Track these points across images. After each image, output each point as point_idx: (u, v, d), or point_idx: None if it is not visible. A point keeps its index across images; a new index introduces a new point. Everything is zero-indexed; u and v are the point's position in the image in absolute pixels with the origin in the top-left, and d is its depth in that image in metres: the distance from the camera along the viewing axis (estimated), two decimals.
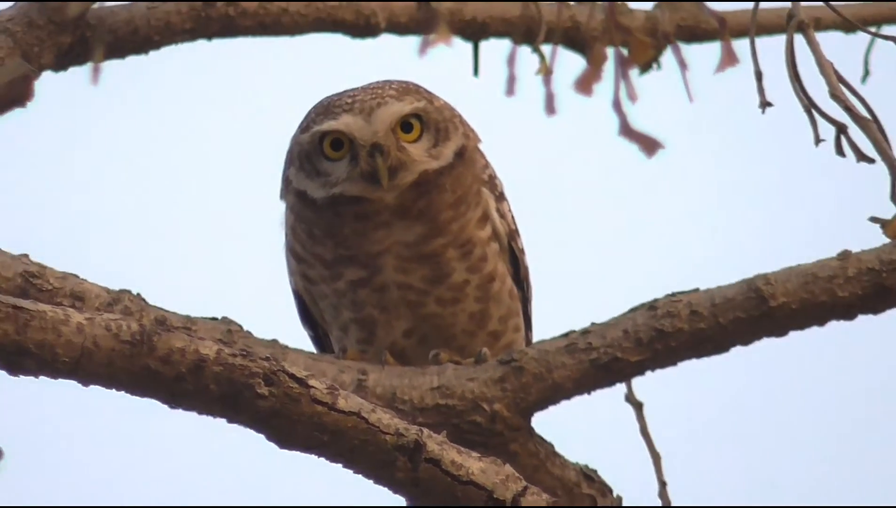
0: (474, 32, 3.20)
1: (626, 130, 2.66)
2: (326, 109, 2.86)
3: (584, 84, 2.49)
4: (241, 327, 2.80)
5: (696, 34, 2.89)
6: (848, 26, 3.08)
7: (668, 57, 2.75)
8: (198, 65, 3.00)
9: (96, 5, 2.91)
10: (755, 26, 2.72)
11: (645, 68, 2.70)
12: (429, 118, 2.87)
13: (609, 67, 2.56)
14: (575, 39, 2.68)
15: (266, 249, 3.18)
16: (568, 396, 2.72)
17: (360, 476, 2.58)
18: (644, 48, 2.50)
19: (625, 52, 2.58)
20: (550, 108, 2.47)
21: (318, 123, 2.85)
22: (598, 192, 3.13)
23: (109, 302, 2.77)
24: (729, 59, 2.35)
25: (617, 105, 2.61)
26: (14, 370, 2.52)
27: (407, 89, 2.87)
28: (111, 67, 2.94)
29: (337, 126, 2.81)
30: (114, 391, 2.55)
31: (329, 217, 2.83)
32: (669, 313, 2.65)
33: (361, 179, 2.82)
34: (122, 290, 2.82)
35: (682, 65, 2.36)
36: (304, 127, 2.89)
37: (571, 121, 2.62)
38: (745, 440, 3.84)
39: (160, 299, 2.89)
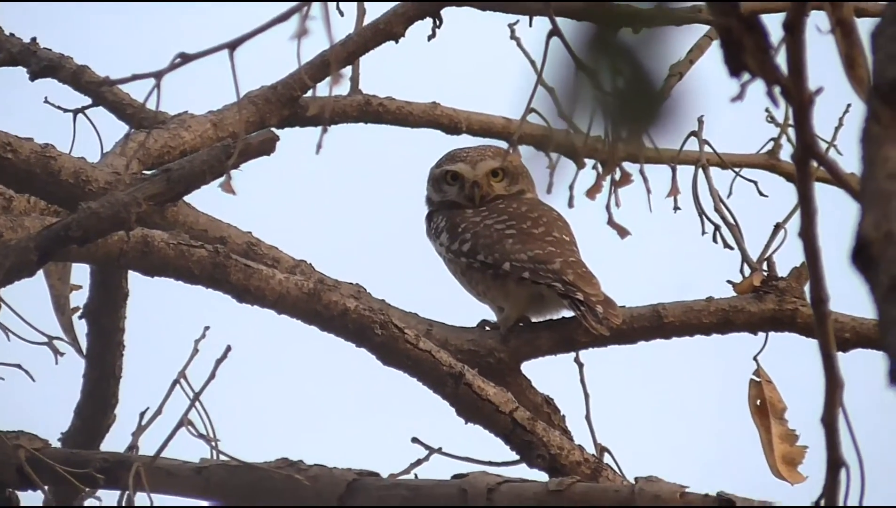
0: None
1: (611, 222, 4.42)
2: (452, 157, 4.39)
3: (591, 193, 4.20)
4: (365, 289, 4.13)
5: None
6: (724, 166, 4.56)
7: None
8: (356, 138, 4.60)
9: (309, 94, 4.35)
10: (677, 161, 4.40)
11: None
12: (508, 170, 4.41)
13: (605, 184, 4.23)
14: (570, 152, 3.65)
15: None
16: (543, 355, 4.17)
17: (425, 387, 3.87)
18: (627, 177, 4.14)
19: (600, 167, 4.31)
20: (549, 190, 4.17)
21: (446, 164, 4.38)
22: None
23: (293, 266, 4.09)
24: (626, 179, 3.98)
25: (608, 206, 4.32)
26: (240, 300, 3.78)
27: (498, 152, 4.40)
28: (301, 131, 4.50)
29: (455, 168, 4.37)
30: (294, 319, 3.84)
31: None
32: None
33: (463, 199, 4.37)
34: (301, 260, 4.14)
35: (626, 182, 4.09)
36: (438, 165, 4.41)
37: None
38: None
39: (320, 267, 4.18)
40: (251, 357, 4.25)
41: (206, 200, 4.12)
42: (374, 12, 4.49)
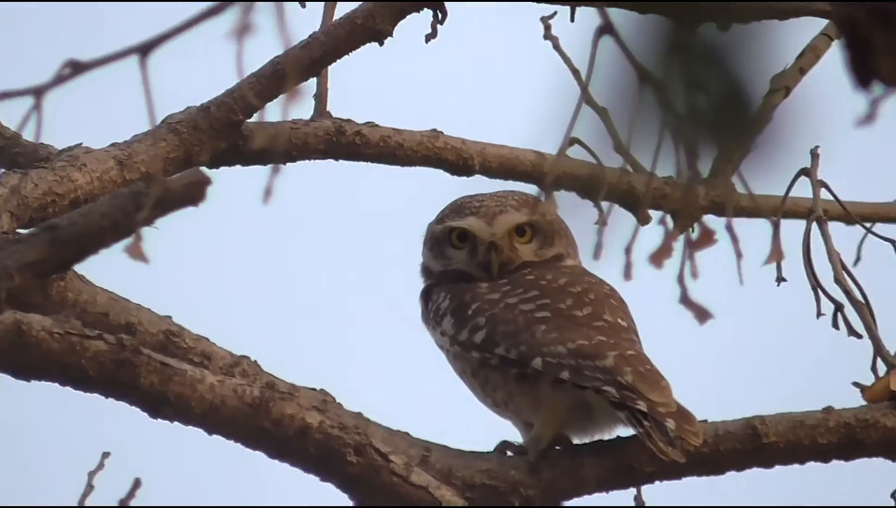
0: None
1: (686, 300, 4.39)
2: (458, 208, 4.46)
3: (657, 258, 4.16)
4: (334, 398, 4.19)
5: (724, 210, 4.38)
6: (848, 220, 4.64)
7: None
8: (322, 177, 4.65)
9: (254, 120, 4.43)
10: (781, 212, 4.45)
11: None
12: (539, 226, 4.48)
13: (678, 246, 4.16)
14: (628, 200, 4.07)
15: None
16: (590, 492, 4.21)
17: None
18: (709, 236, 4.12)
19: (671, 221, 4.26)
20: (597, 255, 4.12)
21: (451, 218, 4.45)
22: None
23: (231, 364, 4.20)
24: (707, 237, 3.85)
25: (681, 278, 4.32)
26: (154, 414, 3.85)
27: (525, 201, 4.47)
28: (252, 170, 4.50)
29: (464, 225, 4.44)
30: (231, 441, 3.92)
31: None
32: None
33: (476, 268, 4.45)
34: (242, 355, 4.25)
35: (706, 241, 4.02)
36: (439, 220, 4.47)
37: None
38: None
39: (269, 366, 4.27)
40: (173, 493, 4.28)
41: (106, 270, 4.15)
42: (349, 4, 4.46)
